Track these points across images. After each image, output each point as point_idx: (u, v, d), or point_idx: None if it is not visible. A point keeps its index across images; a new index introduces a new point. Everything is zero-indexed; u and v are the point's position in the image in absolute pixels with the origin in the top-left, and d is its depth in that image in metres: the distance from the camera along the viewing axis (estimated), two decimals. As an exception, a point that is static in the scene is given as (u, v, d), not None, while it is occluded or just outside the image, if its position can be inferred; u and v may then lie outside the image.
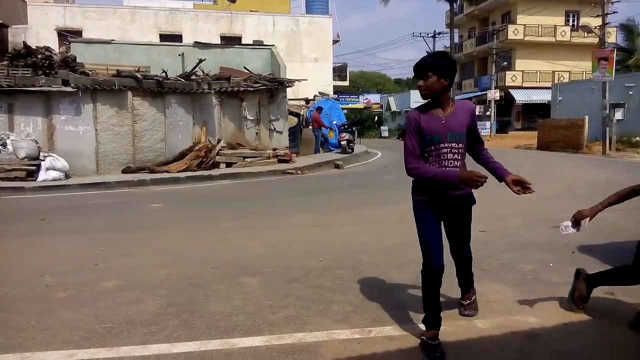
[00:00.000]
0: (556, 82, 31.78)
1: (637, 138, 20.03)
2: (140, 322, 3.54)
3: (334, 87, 31.87)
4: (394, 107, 47.17)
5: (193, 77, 14.21)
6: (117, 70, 13.50)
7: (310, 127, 18.84)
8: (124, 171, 12.71)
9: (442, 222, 3.19)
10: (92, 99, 12.71)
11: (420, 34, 37.58)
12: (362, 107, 46.10)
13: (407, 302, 3.80)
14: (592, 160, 16.90)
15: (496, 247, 5.48)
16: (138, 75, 13.11)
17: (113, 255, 5.43)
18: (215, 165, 13.27)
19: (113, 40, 17.97)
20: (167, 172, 12.44)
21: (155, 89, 13.24)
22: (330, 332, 3.32)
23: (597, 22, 22.51)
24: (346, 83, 38.78)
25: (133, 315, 3.67)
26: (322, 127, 18.61)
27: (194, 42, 19.00)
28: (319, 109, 18.88)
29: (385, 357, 2.99)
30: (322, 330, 3.34)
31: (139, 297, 4.06)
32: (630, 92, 21.26)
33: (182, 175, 12.13)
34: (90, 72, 13.10)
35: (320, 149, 18.80)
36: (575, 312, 3.62)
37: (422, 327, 3.18)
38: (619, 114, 19.80)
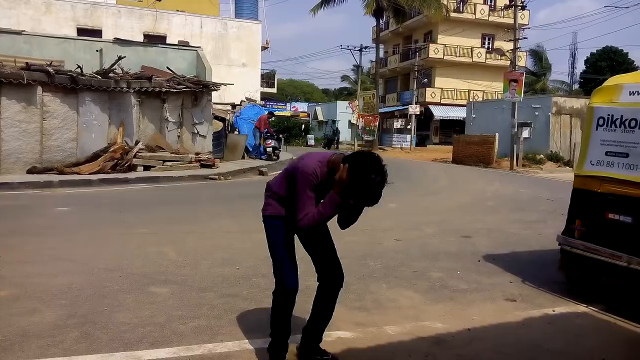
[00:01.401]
0: (471, 100, 33.76)
1: (541, 155, 21.72)
2: (36, 335, 3.28)
3: (262, 93, 31.73)
4: (321, 117, 47.80)
5: (111, 74, 13.51)
6: (27, 63, 12.53)
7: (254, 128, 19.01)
8: (30, 171, 11.79)
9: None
10: (-4, 92, 11.72)
11: (348, 46, 38.42)
12: (290, 114, 46.26)
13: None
14: (501, 175, 18.08)
15: (410, 256, 5.68)
16: (50, 69, 12.26)
17: (9, 261, 4.99)
18: (132, 168, 12.67)
19: (24, 31, 16.70)
20: (78, 173, 11.69)
21: (69, 85, 12.44)
22: (242, 341, 3.26)
23: (510, 46, 24.22)
24: (274, 90, 38.75)
25: (28, 327, 3.39)
26: (260, 131, 18.61)
27: (115, 38, 18.13)
28: (270, 113, 20.12)
29: (296, 366, 2.97)
30: (234, 340, 3.27)
31: (36, 308, 3.76)
32: (537, 113, 23.03)
33: (95, 177, 11.46)
34: (-6, 63, 12.08)
35: (245, 155, 18.60)
36: (477, 318, 3.82)
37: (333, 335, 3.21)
38: (526, 133, 21.38)
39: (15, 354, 3.01)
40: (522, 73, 22.31)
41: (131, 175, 12.10)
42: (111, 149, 12.59)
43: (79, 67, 13.03)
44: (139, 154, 12.98)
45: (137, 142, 13.42)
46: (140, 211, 8.25)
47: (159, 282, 4.41)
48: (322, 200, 2.65)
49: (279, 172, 13.53)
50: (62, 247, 5.70)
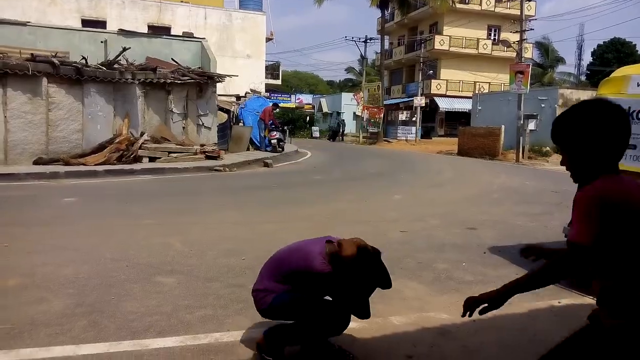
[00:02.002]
0: (476, 92, 33.58)
1: (547, 148, 21.62)
2: (44, 323, 3.31)
3: (266, 85, 31.69)
4: (325, 108, 47.70)
5: (116, 65, 13.53)
6: (32, 54, 12.57)
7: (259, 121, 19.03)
8: (36, 162, 11.86)
9: None
10: (2, 84, 11.74)
11: (353, 38, 38.28)
12: (294, 106, 46.22)
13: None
14: (507, 167, 18.01)
15: (415, 247, 5.68)
16: (55, 60, 12.29)
17: (17, 251, 5.04)
18: (137, 159, 12.71)
19: (29, 22, 16.72)
20: (84, 164, 11.75)
21: (74, 76, 12.46)
22: (249, 331, 3.28)
23: (516, 37, 24.04)
24: (279, 82, 38.68)
25: (36, 316, 3.43)
26: (265, 123, 18.62)
27: (119, 29, 18.12)
28: (275, 105, 20.26)
29: (301, 355, 2.99)
30: (240, 330, 3.29)
31: (44, 297, 3.80)
32: (543, 105, 22.90)
33: (100, 168, 11.51)
34: (1, 55, 12.10)
35: (250, 147, 18.61)
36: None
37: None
38: (532, 125, 21.26)
39: (25, 341, 3.04)
40: (529, 65, 22.17)
41: (136, 166, 12.14)
42: (117, 140, 12.63)
43: (83, 58, 13.06)
44: (144, 145, 13.01)
45: (142, 134, 13.45)
46: (145, 202, 8.29)
47: (165, 272, 4.43)
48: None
49: (283, 163, 13.32)
50: (69, 237, 5.74)
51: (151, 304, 3.68)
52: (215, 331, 3.26)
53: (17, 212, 7.12)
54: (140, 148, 12.84)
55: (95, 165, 11.78)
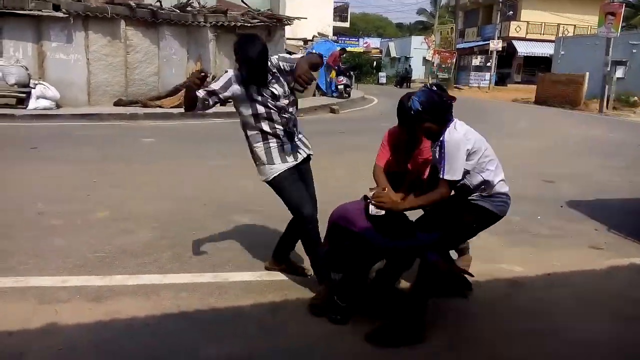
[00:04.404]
0: (560, 35, 31.08)
1: (635, 98, 19.90)
2: (132, 253, 3.59)
3: (334, 28, 31.00)
4: (393, 53, 46.10)
5: (189, 8, 13.69)
6: (110, -4, 12.97)
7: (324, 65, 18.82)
8: (116, 104, 12.48)
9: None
10: (84, 27, 12.27)
11: (426, -24, 36.15)
12: (362, 51, 45.04)
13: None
14: (588, 118, 16.85)
15: (486, 198, 5.52)
16: (132, 3, 12.60)
17: (104, 186, 5.43)
18: (210, 102, 13.04)
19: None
20: (160, 107, 12.24)
21: (149, 19, 12.77)
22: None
23: (609, -27, 21.73)
24: (346, 24, 37.69)
25: (125, 246, 3.72)
26: (332, 66, 18.40)
27: (191, -29, 18.16)
28: (342, 50, 20.04)
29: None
30: (312, 269, 3.40)
31: (131, 229, 4.10)
32: (634, 51, 20.88)
33: (175, 111, 11.93)
34: (81, -2, 12.57)
35: (316, 92, 18.52)
36: (558, 264, 3.71)
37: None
38: (619, 72, 19.51)
39: (116, 269, 3.33)
40: (622, 4, 20.00)
41: (209, 110, 12.47)
42: (190, 84, 12.97)
43: (158, 1, 13.29)
44: (216, 88, 13.28)
45: (214, 77, 13.71)
46: (218, 144, 8.55)
47: (241, 212, 4.62)
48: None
49: (349, 110, 13.09)
50: (150, 174, 6.10)
51: (229, 241, 3.88)
52: (289, 269, 3.39)
53: (102, 150, 7.61)
54: (211, 91, 13.13)
55: (171, 107, 12.23)
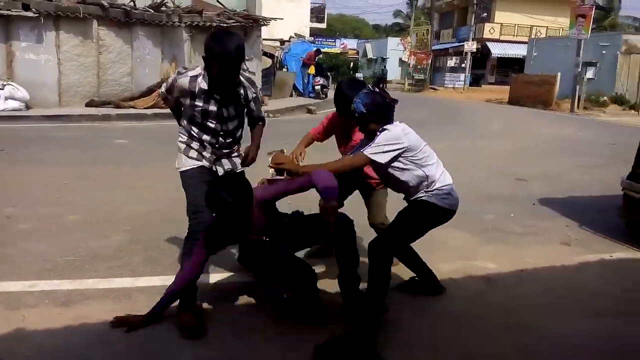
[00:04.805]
0: (533, 37, 31.70)
1: (605, 98, 20.43)
2: (104, 257, 3.52)
3: (311, 29, 31.03)
4: (370, 54, 46.42)
5: (163, 8, 13.52)
6: (82, -4, 12.72)
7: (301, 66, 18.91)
8: (88, 104, 12.25)
9: None
10: (55, 27, 12.00)
11: (401, -22, 36.48)
12: (339, 52, 45.13)
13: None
14: (560, 117, 17.23)
15: (461, 198, 5.57)
16: (104, 3, 12.38)
17: (76, 189, 5.31)
18: (185, 103, 12.89)
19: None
20: (133, 107, 12.05)
21: (122, 19, 12.57)
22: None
23: (579, -24, 22.26)
24: (323, 25, 37.79)
25: (97, 250, 3.64)
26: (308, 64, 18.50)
27: (165, -29, 17.94)
28: (317, 50, 20.37)
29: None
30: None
31: (103, 232, 4.02)
32: (604, 52, 21.44)
33: (149, 112, 11.77)
34: (52, -3, 12.30)
35: (293, 93, 18.51)
36: (530, 261, 3.77)
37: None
38: (590, 73, 20.02)
39: (86, 273, 3.25)
40: (592, 7, 20.52)
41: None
42: (164, 84, 12.81)
43: (131, 1, 13.09)
44: (191, 89, 13.15)
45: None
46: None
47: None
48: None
49: (326, 110, 13.13)
50: (124, 176, 5.99)
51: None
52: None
53: (74, 152, 7.44)
54: (187, 92, 12.98)
55: (144, 108, 12.06)
